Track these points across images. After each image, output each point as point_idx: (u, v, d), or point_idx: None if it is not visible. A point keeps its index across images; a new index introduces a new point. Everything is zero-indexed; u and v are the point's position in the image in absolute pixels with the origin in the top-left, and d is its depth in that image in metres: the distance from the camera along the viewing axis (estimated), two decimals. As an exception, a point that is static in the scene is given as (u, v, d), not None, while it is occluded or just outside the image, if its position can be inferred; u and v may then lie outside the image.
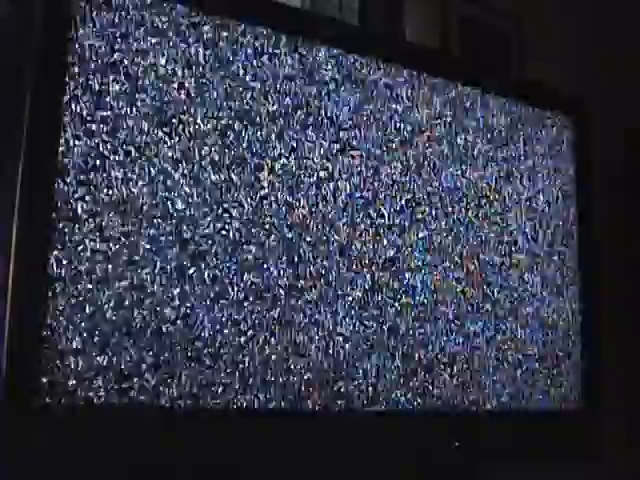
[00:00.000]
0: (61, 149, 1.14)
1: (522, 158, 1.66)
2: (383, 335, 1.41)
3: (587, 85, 2.01)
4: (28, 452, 1.08)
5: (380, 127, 1.46)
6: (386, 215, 1.45)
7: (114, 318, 1.15)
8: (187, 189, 1.24)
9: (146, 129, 1.22)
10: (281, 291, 1.31)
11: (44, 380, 1.09)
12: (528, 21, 2.11)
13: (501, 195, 1.62)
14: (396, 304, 1.43)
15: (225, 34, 1.31)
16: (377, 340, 1.40)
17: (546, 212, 1.69)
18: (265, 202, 1.31)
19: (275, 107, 1.34)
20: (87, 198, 1.15)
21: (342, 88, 1.43)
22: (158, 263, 1.20)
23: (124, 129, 1.20)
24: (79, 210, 1.14)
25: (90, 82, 1.17)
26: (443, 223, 1.52)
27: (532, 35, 2.11)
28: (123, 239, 1.17)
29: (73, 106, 1.15)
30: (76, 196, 1.14)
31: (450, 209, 1.53)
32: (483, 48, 2.03)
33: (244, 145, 1.30)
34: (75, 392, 1.11)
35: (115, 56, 1.20)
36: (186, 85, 1.26)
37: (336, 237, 1.38)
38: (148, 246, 1.19)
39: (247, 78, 1.32)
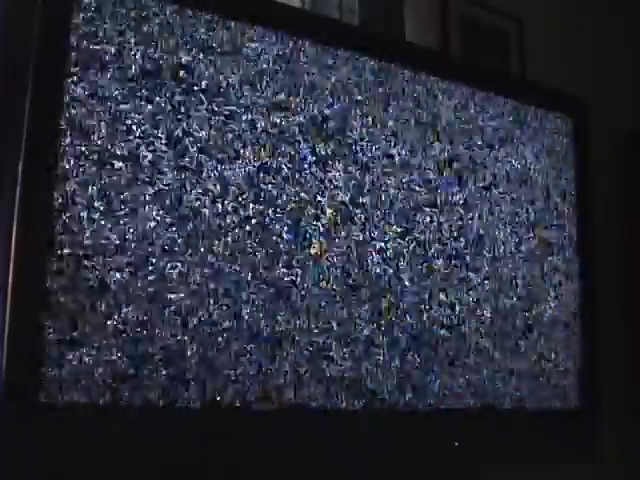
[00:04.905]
0: (61, 148, 1.14)
1: (522, 158, 1.66)
2: (382, 335, 1.41)
3: (587, 85, 2.01)
4: (28, 451, 1.07)
5: (379, 127, 1.47)
6: (379, 215, 1.45)
7: (114, 318, 1.15)
8: (191, 188, 1.24)
9: (147, 128, 1.22)
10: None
11: (44, 380, 1.09)
12: (528, 21, 2.11)
13: (501, 194, 1.62)
14: (394, 303, 1.44)
15: (225, 34, 1.31)
16: (376, 339, 1.41)
17: (546, 212, 1.69)
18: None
19: (274, 105, 1.35)
20: (87, 197, 1.15)
21: (342, 87, 1.43)
22: (160, 263, 1.20)
23: (125, 129, 1.20)
24: (79, 210, 1.14)
25: (90, 81, 1.18)
26: (441, 222, 1.52)
27: (532, 35, 2.10)
28: (123, 239, 1.17)
29: (72, 106, 1.15)
30: (76, 195, 1.14)
31: (449, 210, 1.53)
32: (483, 48, 2.03)
33: (243, 142, 1.31)
34: (75, 392, 1.11)
35: (115, 54, 1.20)
36: (186, 85, 1.26)
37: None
38: (149, 247, 1.19)
39: (246, 77, 1.32)
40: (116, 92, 1.20)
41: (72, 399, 1.11)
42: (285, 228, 1.32)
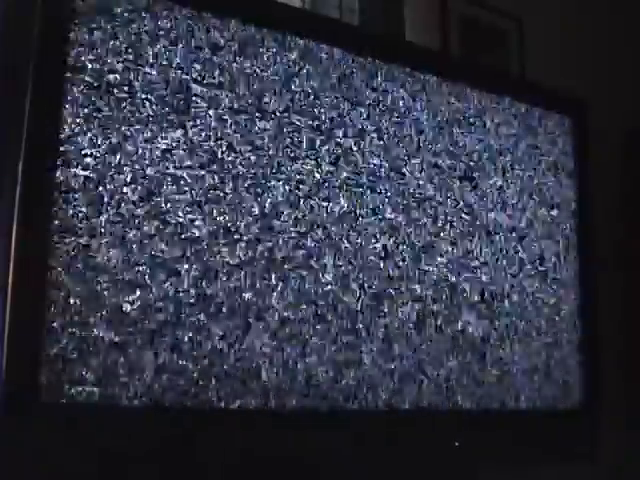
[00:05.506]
0: (61, 148, 1.14)
1: (522, 158, 1.66)
2: (382, 335, 1.41)
3: (587, 85, 2.01)
4: (28, 451, 1.07)
5: (377, 128, 1.47)
6: (387, 215, 1.45)
7: (115, 318, 1.15)
8: (189, 196, 1.24)
9: (148, 129, 1.22)
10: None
11: (44, 380, 1.09)
12: (528, 21, 2.11)
13: (501, 195, 1.62)
14: (394, 303, 1.44)
15: (224, 34, 1.31)
16: (376, 340, 1.41)
17: (546, 211, 1.69)
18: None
19: (273, 106, 1.35)
20: (88, 198, 1.15)
21: (340, 88, 1.43)
22: (160, 261, 1.20)
23: (126, 129, 1.20)
24: (79, 210, 1.14)
25: (90, 82, 1.18)
26: (444, 222, 1.52)
27: (532, 35, 2.11)
28: (123, 238, 1.18)
29: (73, 106, 1.16)
30: (76, 196, 1.14)
31: (450, 210, 1.53)
32: (483, 48, 2.03)
33: (244, 141, 1.31)
34: (75, 392, 1.11)
35: (116, 57, 1.20)
36: (189, 85, 1.26)
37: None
38: (148, 246, 1.19)
39: (246, 78, 1.32)
40: (117, 91, 1.20)
41: (72, 399, 1.11)
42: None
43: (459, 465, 1.50)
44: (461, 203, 1.55)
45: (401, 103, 1.50)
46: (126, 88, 1.21)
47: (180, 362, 1.20)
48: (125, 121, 1.20)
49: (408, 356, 1.44)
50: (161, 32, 1.25)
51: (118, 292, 1.16)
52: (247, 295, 1.27)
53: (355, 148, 1.43)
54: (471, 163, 1.58)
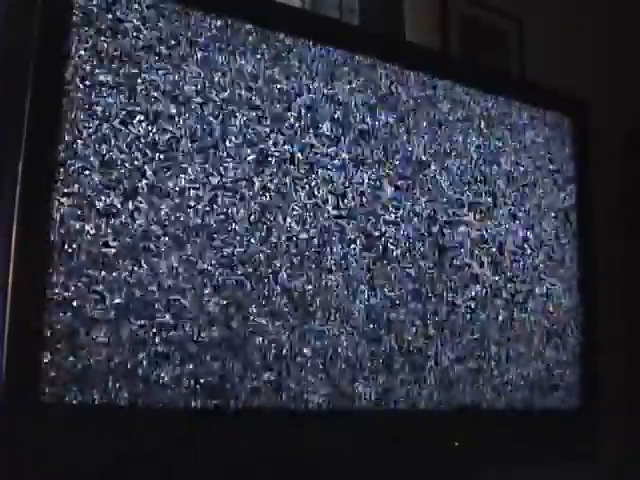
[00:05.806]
0: (61, 149, 1.14)
1: (522, 158, 1.66)
2: (383, 334, 1.41)
3: (587, 85, 2.01)
4: (28, 451, 1.07)
5: (378, 128, 1.47)
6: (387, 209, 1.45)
7: (115, 317, 1.15)
8: (192, 193, 1.24)
9: (147, 128, 1.22)
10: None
11: (44, 380, 1.09)
12: (528, 21, 2.11)
13: (501, 195, 1.62)
14: (393, 303, 1.44)
15: (224, 34, 1.31)
16: (376, 339, 1.41)
17: (546, 212, 1.69)
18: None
19: (273, 107, 1.35)
20: (87, 197, 1.15)
21: (341, 89, 1.43)
22: (160, 259, 1.20)
23: (125, 129, 1.20)
24: (79, 209, 1.14)
25: (90, 81, 1.18)
26: (443, 222, 1.52)
27: (532, 35, 2.11)
28: (123, 236, 1.18)
29: (73, 106, 1.16)
30: (77, 195, 1.14)
31: (449, 210, 1.53)
32: (483, 48, 2.03)
33: (244, 143, 1.31)
34: (75, 392, 1.11)
35: (115, 55, 1.20)
36: (187, 86, 1.26)
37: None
38: (148, 243, 1.20)
39: (245, 78, 1.32)
40: (117, 91, 1.20)
41: (72, 399, 1.11)
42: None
43: (460, 465, 1.51)
44: (460, 201, 1.55)
45: (401, 101, 1.50)
46: (126, 87, 1.21)
47: (180, 362, 1.20)
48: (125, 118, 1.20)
49: (408, 356, 1.44)
50: (161, 31, 1.25)
51: (119, 292, 1.16)
52: (245, 292, 1.27)
53: (359, 149, 1.43)
54: (470, 162, 1.58)
